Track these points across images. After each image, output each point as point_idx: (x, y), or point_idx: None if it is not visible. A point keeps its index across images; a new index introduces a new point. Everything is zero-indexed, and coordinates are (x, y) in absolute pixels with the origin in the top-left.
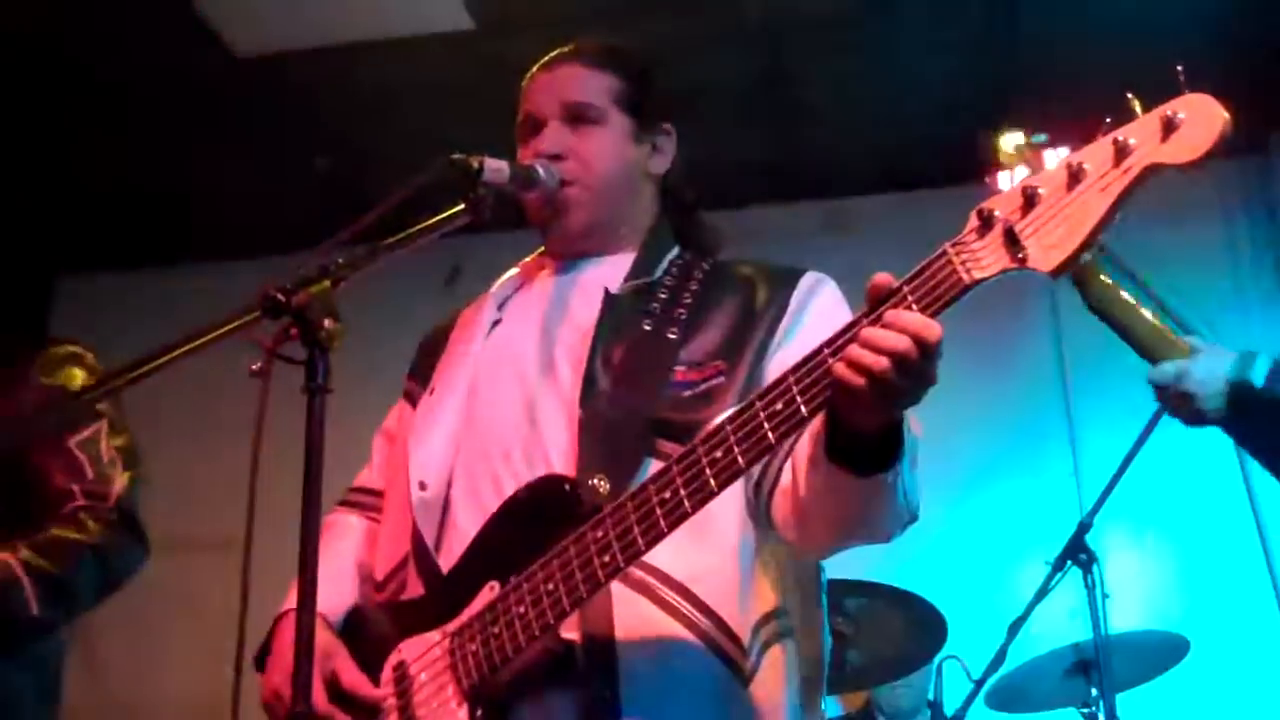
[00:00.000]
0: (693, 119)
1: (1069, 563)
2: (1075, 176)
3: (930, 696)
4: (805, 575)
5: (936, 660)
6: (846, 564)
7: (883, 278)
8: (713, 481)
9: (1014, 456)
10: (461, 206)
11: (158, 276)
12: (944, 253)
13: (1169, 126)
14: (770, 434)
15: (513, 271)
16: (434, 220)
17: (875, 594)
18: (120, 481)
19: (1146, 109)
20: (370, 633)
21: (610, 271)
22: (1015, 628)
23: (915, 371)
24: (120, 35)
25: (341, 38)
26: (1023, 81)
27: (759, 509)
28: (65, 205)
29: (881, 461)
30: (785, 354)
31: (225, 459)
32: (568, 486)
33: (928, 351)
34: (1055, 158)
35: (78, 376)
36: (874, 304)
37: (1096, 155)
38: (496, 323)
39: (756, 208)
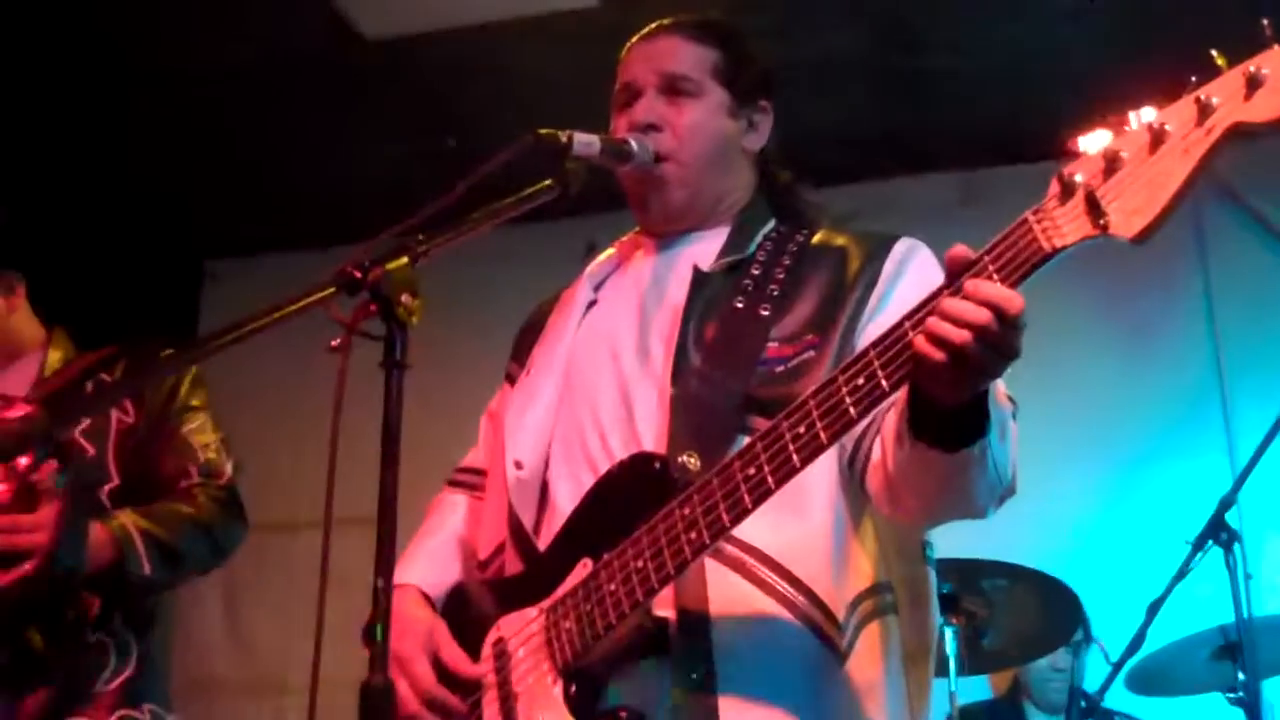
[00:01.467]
0: (820, 91)
1: (1210, 542)
2: (1158, 139)
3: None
4: (908, 549)
5: (1076, 643)
6: (980, 543)
7: (961, 248)
8: (796, 457)
9: (1165, 436)
10: (549, 182)
11: (305, 260)
12: (1024, 221)
13: (1253, 83)
14: (851, 409)
15: (609, 251)
16: (519, 196)
17: (1010, 575)
18: (229, 465)
19: (1232, 65)
20: (471, 610)
21: (705, 249)
22: (1155, 609)
23: (996, 344)
24: (251, 20)
25: (468, 19)
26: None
27: (853, 483)
28: (213, 189)
29: (968, 436)
30: (877, 325)
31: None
32: (658, 464)
33: (1008, 323)
34: (1136, 117)
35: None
36: (953, 275)
37: (1179, 115)
38: (593, 304)
39: (892, 180)
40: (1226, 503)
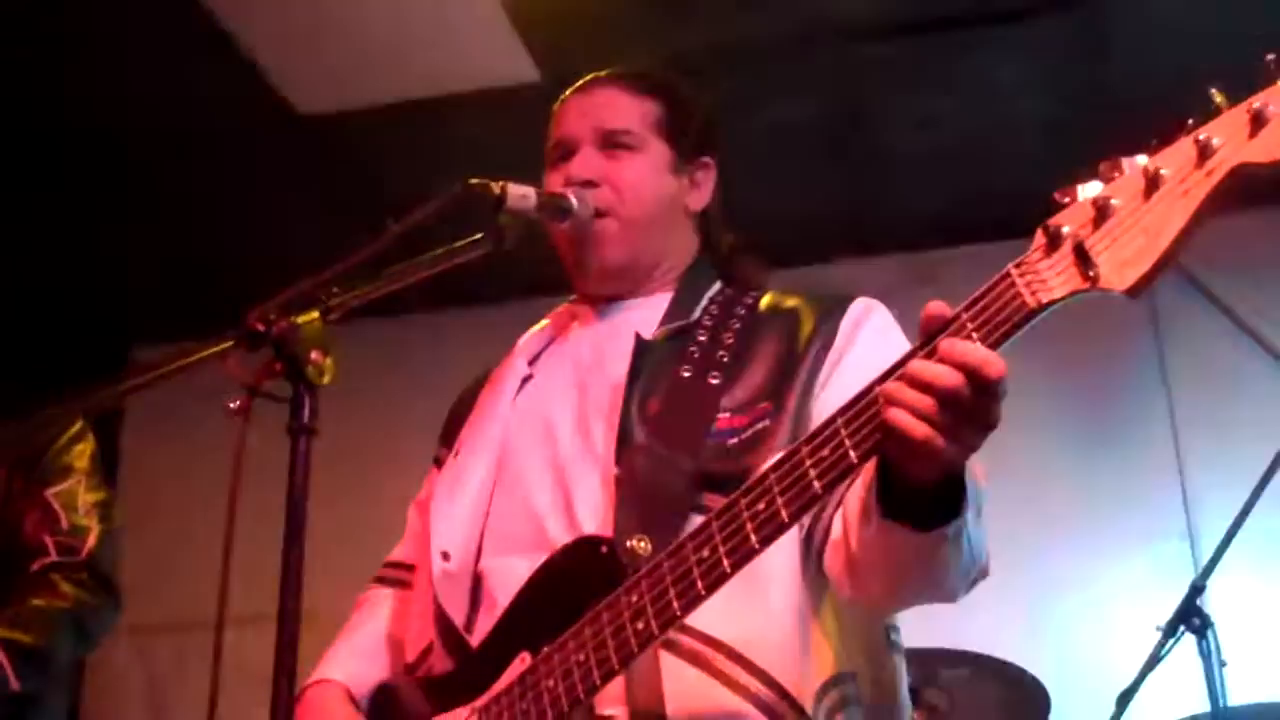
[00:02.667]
0: (766, 169)
1: (1182, 628)
2: (1153, 183)
3: None
4: (872, 634)
5: None
6: (939, 631)
7: (937, 305)
8: (754, 537)
9: (1126, 521)
10: (478, 236)
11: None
12: (1006, 275)
13: (1258, 120)
14: (816, 483)
15: (543, 323)
16: (446, 249)
17: (971, 664)
18: (93, 536)
19: (1232, 105)
20: (400, 709)
21: (646, 315)
22: (1126, 698)
23: (971, 412)
24: (190, 87)
25: (407, 94)
26: (1118, 121)
27: (811, 563)
28: (143, 267)
29: (941, 514)
30: (832, 391)
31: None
32: (605, 548)
33: (986, 388)
34: (1132, 165)
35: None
36: (928, 334)
37: (1176, 158)
38: (527, 379)
39: (838, 262)
40: (1197, 588)
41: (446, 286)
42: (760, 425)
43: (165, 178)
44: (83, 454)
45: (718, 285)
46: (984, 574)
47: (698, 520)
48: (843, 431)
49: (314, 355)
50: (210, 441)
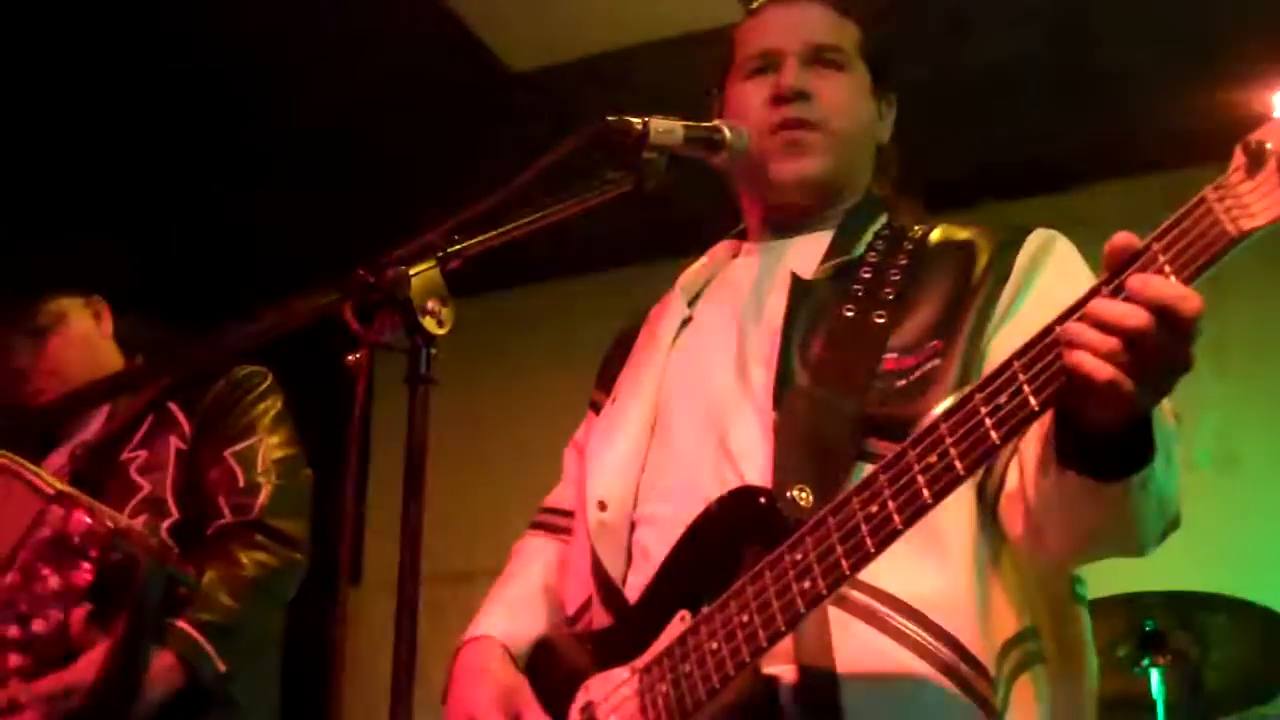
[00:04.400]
0: (999, 97)
1: None
2: None
3: None
4: (1055, 590)
5: None
6: (1188, 573)
7: (1124, 236)
8: (926, 492)
9: None
10: (617, 176)
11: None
12: (1203, 200)
13: None
14: (993, 433)
15: (703, 260)
16: (581, 195)
17: (1227, 609)
18: (265, 493)
19: None
20: (558, 666)
21: (809, 250)
22: None
23: (1165, 355)
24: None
25: (613, 43)
26: None
27: (986, 515)
28: (354, 240)
29: (1129, 463)
30: (1010, 330)
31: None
32: (764, 500)
33: (1180, 329)
34: None
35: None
36: (1114, 268)
37: None
38: (686, 321)
39: (1085, 188)
40: None
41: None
42: (930, 365)
43: (382, 143)
44: (266, 411)
45: (884, 219)
46: (1175, 525)
47: (863, 468)
48: (1021, 377)
49: (430, 304)
50: (469, 397)
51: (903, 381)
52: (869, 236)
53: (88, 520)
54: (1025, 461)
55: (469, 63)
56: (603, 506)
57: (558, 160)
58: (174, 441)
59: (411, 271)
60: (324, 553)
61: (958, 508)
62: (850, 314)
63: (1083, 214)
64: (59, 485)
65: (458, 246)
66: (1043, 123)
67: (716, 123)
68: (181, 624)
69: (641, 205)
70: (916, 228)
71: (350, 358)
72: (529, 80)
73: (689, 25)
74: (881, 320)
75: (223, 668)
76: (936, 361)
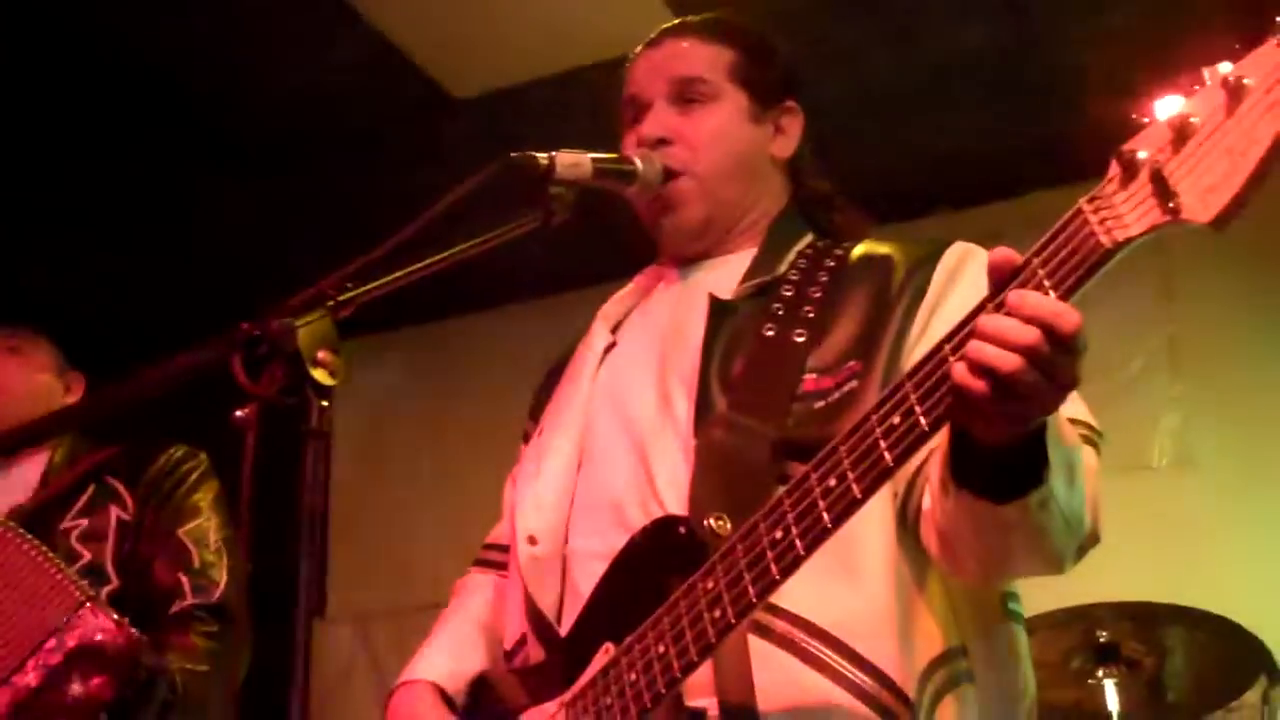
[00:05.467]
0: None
1: None
2: (1236, 95)
3: None
4: (985, 604)
5: (1264, 690)
6: (1143, 578)
7: (1003, 252)
8: (827, 516)
9: None
10: (525, 214)
11: (436, 329)
12: (1078, 212)
13: None
14: (887, 455)
15: (628, 287)
16: (487, 236)
17: (1176, 619)
18: (224, 574)
19: None
20: (495, 704)
21: (728, 274)
22: None
23: (1048, 370)
24: (331, 87)
25: (555, 67)
26: None
27: (908, 533)
28: (294, 273)
29: (1022, 482)
30: (926, 347)
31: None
32: (683, 529)
33: (1062, 343)
34: (1212, 73)
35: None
36: (997, 284)
37: (1261, 64)
38: (610, 347)
39: (1038, 192)
40: None
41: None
42: (849, 386)
43: (321, 171)
44: (208, 493)
45: (809, 238)
46: (1094, 540)
47: (782, 492)
48: (912, 396)
49: (321, 355)
50: (428, 426)
51: (821, 403)
52: (792, 255)
53: (116, 633)
54: (931, 482)
55: (410, 89)
56: (533, 541)
57: (461, 199)
58: (115, 511)
59: (300, 322)
60: (286, 585)
61: (877, 528)
62: (770, 333)
63: (1048, 216)
64: (84, 585)
65: (350, 294)
66: (993, 125)
67: (628, 154)
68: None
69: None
70: (843, 245)
71: (238, 413)
72: (470, 105)
73: (631, 45)
74: (801, 339)
75: (178, 692)
76: (855, 383)
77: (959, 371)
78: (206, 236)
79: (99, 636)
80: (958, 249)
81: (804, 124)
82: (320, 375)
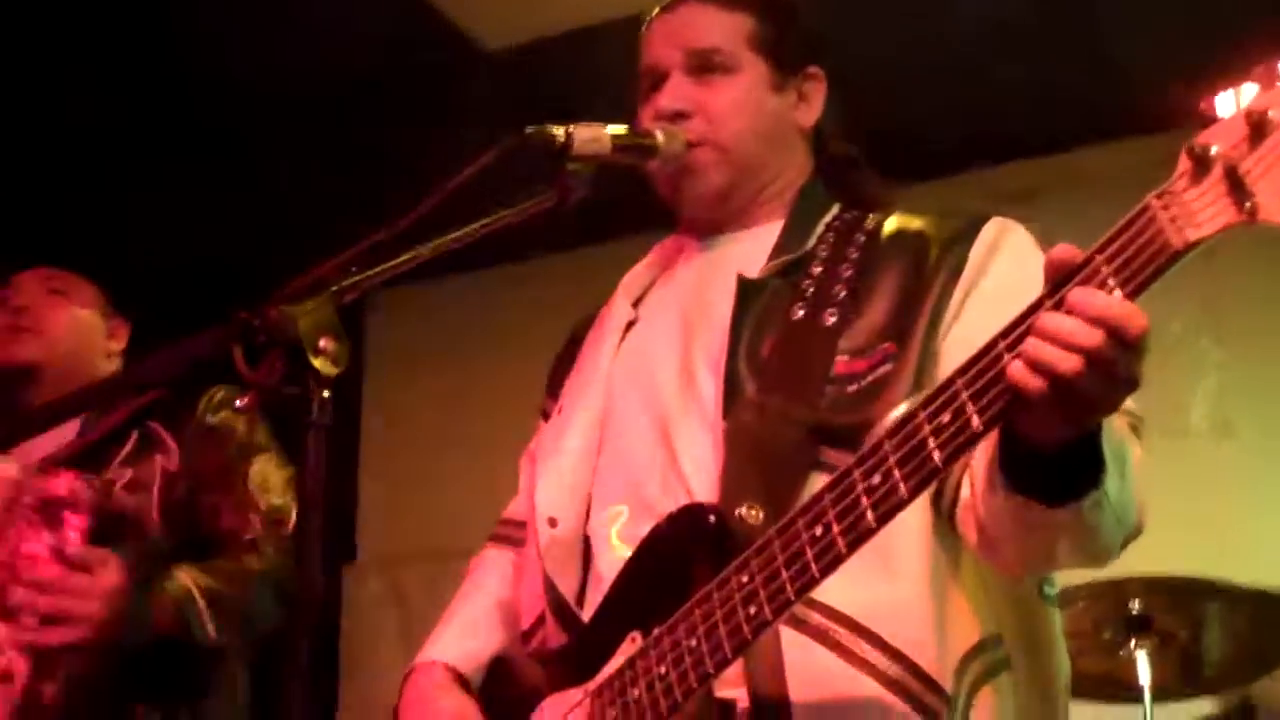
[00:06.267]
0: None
1: None
2: None
3: None
4: (1021, 592)
5: None
6: (1175, 555)
7: (1064, 249)
8: (870, 515)
9: None
10: (541, 192)
11: (475, 280)
12: (1146, 208)
13: None
14: (936, 453)
15: (648, 258)
16: (499, 214)
17: (1211, 592)
18: (292, 510)
19: None
20: (514, 687)
21: (754, 248)
22: None
23: (1111, 373)
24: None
25: (596, 16)
26: None
27: (943, 521)
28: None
29: (1077, 484)
30: (963, 328)
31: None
32: (713, 518)
33: (1128, 345)
34: None
35: (239, 421)
36: (1055, 281)
37: None
38: (632, 323)
39: (1079, 149)
40: None
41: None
42: (883, 369)
43: (351, 126)
44: (265, 431)
45: (835, 209)
46: (1137, 532)
47: (817, 479)
48: (964, 394)
49: (323, 343)
50: (459, 374)
51: (855, 387)
52: (819, 229)
53: (75, 479)
54: (976, 475)
55: (439, 43)
56: (553, 523)
57: (472, 178)
58: (160, 461)
59: (301, 310)
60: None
61: (912, 518)
62: (800, 315)
63: (1085, 174)
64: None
65: (354, 279)
66: (1037, 83)
67: (649, 128)
68: (183, 576)
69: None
70: (871, 217)
71: (238, 402)
72: (499, 59)
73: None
74: (833, 321)
75: (213, 635)
76: (889, 365)
77: (1016, 370)
78: (240, 202)
79: (52, 488)
80: (994, 225)
81: (827, 89)
82: (321, 364)
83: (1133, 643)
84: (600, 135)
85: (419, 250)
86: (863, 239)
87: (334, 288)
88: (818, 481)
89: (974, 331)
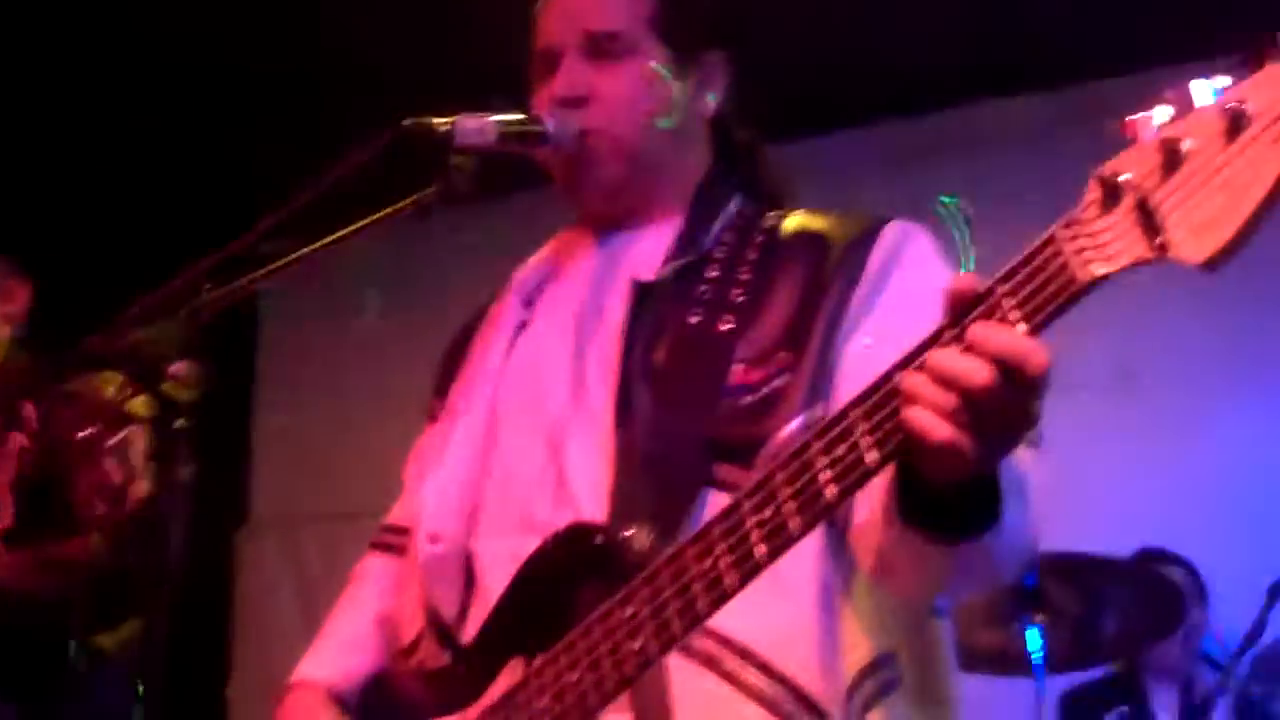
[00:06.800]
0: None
1: None
2: (1236, 124)
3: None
4: (914, 608)
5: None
6: (1077, 533)
7: (965, 279)
8: (760, 549)
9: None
10: (426, 187)
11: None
12: (1051, 239)
13: None
14: (829, 489)
15: (541, 253)
16: (376, 216)
17: (1099, 570)
18: (143, 485)
19: None
20: (393, 706)
21: (650, 246)
22: (1276, 591)
23: (1008, 412)
24: None
25: None
26: None
27: (835, 539)
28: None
29: (975, 520)
30: (861, 340)
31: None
32: (599, 539)
33: (1027, 384)
34: (1205, 90)
35: (111, 381)
36: (957, 313)
37: (1264, 91)
38: (524, 324)
39: (978, 103)
40: None
41: None
42: (778, 381)
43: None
44: (131, 397)
45: (735, 204)
46: (1033, 555)
47: (710, 496)
48: (859, 428)
49: (174, 369)
50: (358, 333)
51: (750, 399)
52: (718, 226)
53: None
54: (873, 501)
55: None
56: (434, 539)
57: (348, 174)
58: (16, 438)
59: (148, 334)
60: (212, 493)
61: (804, 538)
62: (696, 319)
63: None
64: None
65: (213, 295)
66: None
67: (539, 113)
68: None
69: None
70: (771, 214)
71: (111, 439)
72: None
73: None
74: (729, 326)
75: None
76: (785, 378)
77: (913, 416)
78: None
79: None
80: (894, 229)
81: (730, 74)
82: (173, 390)
83: (1026, 617)
84: (485, 125)
85: (289, 257)
86: (761, 239)
87: (189, 307)
88: (711, 499)
89: (874, 340)
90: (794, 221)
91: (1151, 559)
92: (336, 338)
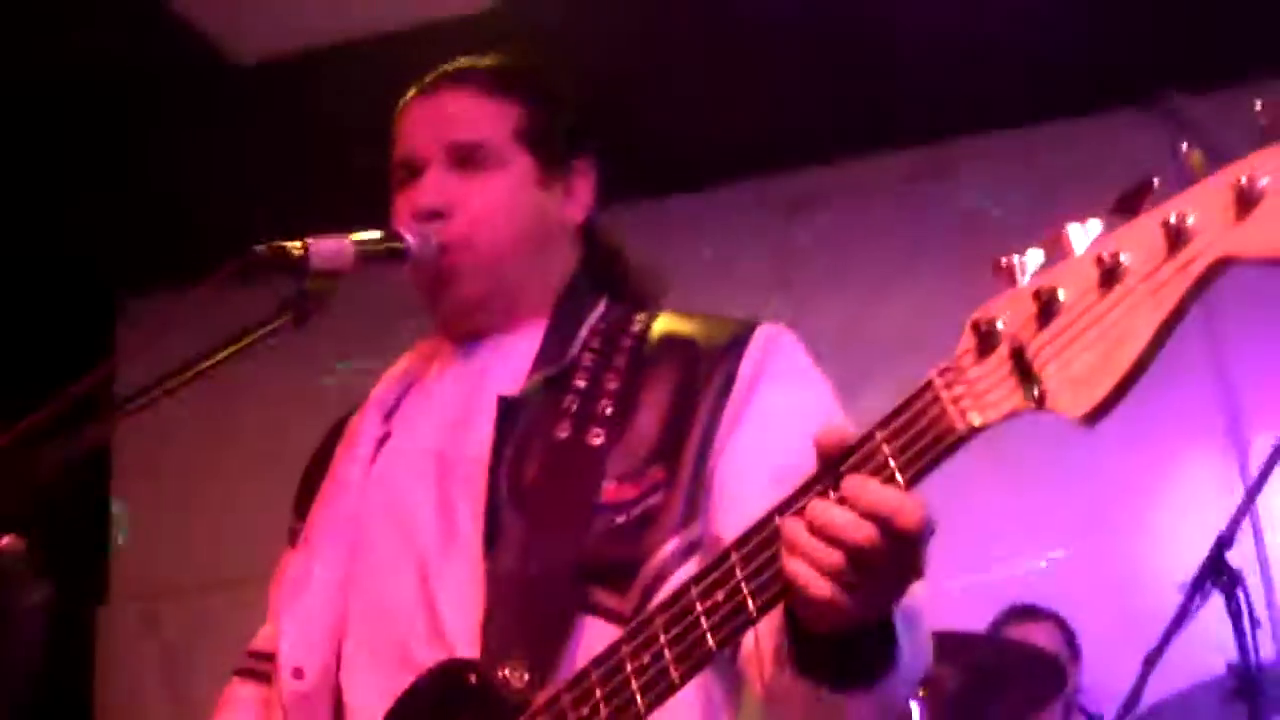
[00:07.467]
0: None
1: (1209, 585)
2: (1110, 274)
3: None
4: None
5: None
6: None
7: (839, 430)
8: (640, 699)
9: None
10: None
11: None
12: (929, 386)
13: (1246, 199)
14: (710, 637)
15: (402, 363)
16: (228, 349)
17: (973, 646)
18: None
19: (1209, 166)
20: None
21: (516, 357)
22: (1151, 661)
23: (886, 566)
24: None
25: (347, 34)
26: None
27: (723, 659)
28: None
29: (868, 665)
30: (734, 455)
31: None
32: (474, 678)
33: (906, 538)
34: (1081, 235)
35: None
36: (829, 463)
37: (1140, 241)
38: (384, 438)
39: (843, 160)
40: (1224, 541)
41: None
42: (652, 500)
43: (92, 139)
44: None
45: (601, 308)
46: (928, 671)
47: (586, 624)
48: (739, 573)
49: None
50: (209, 400)
51: (623, 518)
52: (584, 333)
53: None
54: (761, 634)
55: (188, 55)
56: (298, 674)
57: (200, 298)
58: None
59: None
60: (70, 570)
61: None
62: (565, 435)
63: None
64: None
65: (66, 443)
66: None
67: (400, 229)
68: None
69: None
70: (639, 317)
71: None
72: (251, 74)
73: (419, 17)
74: (599, 441)
75: None
76: (659, 495)
77: (793, 568)
78: None
79: None
80: (763, 334)
81: (595, 181)
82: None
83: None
84: (342, 247)
85: (141, 401)
86: (630, 344)
87: (27, 465)
88: (587, 625)
89: (745, 459)
90: (662, 325)
91: (1021, 616)
92: (191, 408)
